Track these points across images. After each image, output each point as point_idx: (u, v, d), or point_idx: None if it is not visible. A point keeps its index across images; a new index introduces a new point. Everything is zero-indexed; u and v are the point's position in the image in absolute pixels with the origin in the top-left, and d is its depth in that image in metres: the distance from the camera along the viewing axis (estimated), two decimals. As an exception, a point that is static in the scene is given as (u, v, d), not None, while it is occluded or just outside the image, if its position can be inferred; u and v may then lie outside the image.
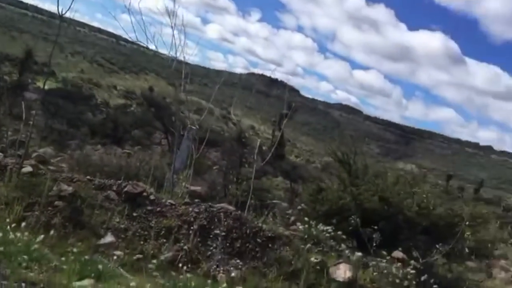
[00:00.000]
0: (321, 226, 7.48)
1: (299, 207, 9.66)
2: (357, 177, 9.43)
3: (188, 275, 5.45)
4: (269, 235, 6.92)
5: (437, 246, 7.40)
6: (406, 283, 6.45)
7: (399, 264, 6.98)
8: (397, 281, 6.52)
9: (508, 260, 14.86)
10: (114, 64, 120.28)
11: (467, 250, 7.76)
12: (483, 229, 8.78)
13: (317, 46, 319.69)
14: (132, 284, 4.52)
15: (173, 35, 8.62)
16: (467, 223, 7.70)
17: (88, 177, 7.32)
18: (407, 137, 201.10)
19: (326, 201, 8.74)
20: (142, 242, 6.13)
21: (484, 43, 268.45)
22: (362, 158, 10.31)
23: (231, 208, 7.36)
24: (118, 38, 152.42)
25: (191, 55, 9.39)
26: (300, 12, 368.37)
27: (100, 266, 4.76)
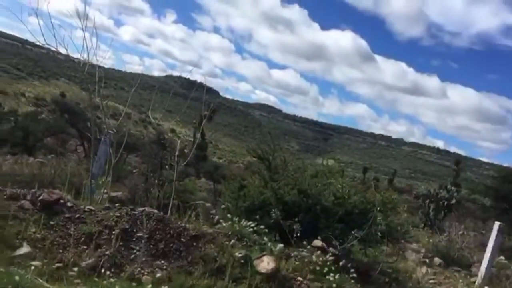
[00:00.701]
0: (244, 222, 7.67)
1: (222, 206, 9.78)
2: (276, 173, 9.74)
3: (112, 279, 5.38)
4: (193, 234, 6.98)
5: (352, 232, 7.88)
6: (326, 269, 6.80)
7: (318, 252, 7.34)
8: (318, 268, 6.86)
9: (419, 243, 16.03)
10: (21, 70, 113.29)
11: (379, 234, 8.32)
12: (393, 214, 9.45)
13: (234, 47, 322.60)
14: (52, 292, 4.41)
15: (85, 38, 8.37)
16: (378, 208, 8.28)
17: (-2, 187, 6.95)
18: (325, 133, 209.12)
19: (248, 197, 8.96)
20: (61, 251, 5.93)
21: (391, 41, 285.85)
22: (281, 154, 10.63)
23: (154, 210, 7.32)
24: (24, 42, 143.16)
25: (104, 58, 9.17)
26: (216, 13, 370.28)
27: (16, 278, 4.58)
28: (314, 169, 10.44)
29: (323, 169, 10.34)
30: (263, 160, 10.04)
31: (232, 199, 9.43)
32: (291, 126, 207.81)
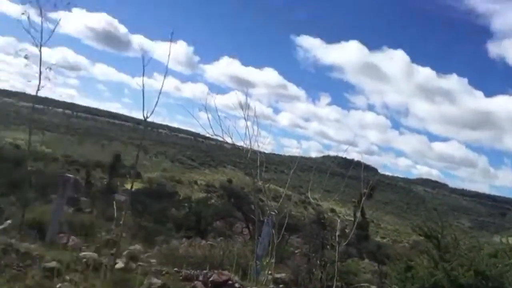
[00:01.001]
0: (414, 307, 7.08)
1: (389, 289, 9.22)
2: (447, 252, 8.93)
3: None
4: (359, 318, 6.65)
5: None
6: None
7: None
8: None
9: None
10: (194, 161, 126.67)
11: None
12: None
13: (390, 123, 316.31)
14: None
15: (247, 127, 9.13)
16: None
17: (175, 269, 7.60)
18: (501, 208, 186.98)
19: (416, 279, 8.30)
20: (230, 331, 6.13)
21: None
22: (451, 231, 9.79)
23: (317, 292, 7.23)
24: (196, 135, 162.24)
25: (265, 144, 9.81)
26: (370, 92, 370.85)
27: None
28: (492, 247, 9.36)
29: (504, 247, 9.19)
30: (431, 238, 9.33)
31: (399, 281, 8.83)
32: (460, 201, 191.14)
